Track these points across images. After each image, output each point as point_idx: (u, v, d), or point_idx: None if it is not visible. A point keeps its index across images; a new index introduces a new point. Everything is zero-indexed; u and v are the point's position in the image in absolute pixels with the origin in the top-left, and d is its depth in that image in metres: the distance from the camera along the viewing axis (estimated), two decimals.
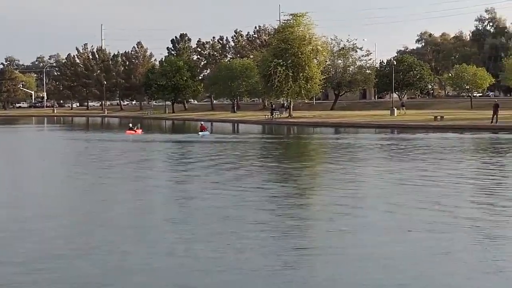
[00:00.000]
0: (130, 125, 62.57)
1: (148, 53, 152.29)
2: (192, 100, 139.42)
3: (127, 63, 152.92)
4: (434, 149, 37.91)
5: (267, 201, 19.27)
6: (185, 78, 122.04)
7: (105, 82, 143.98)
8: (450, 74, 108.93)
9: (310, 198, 20.91)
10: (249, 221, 16.15)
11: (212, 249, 13.34)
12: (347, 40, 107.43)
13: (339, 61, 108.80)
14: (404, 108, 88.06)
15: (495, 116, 59.83)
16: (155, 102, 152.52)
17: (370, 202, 18.83)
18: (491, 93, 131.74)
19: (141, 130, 61.24)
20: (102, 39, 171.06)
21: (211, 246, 13.59)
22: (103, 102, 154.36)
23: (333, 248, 13.36)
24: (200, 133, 55.83)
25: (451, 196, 19.67)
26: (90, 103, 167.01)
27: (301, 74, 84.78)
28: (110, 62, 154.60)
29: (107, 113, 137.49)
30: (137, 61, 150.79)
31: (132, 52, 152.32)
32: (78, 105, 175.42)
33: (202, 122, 63.26)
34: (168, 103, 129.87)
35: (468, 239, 14.03)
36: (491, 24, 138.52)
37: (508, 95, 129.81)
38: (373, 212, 17.10)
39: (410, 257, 12.61)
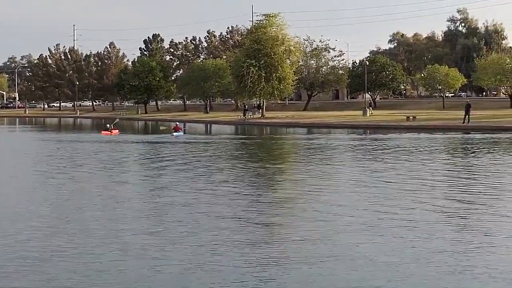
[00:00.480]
0: (108, 125, 62.36)
1: (120, 54, 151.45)
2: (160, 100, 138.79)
3: (100, 63, 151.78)
4: (404, 149, 38.10)
5: (234, 204, 19.32)
6: (158, 78, 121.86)
7: (78, 83, 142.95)
8: (422, 75, 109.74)
9: (267, 197, 20.83)
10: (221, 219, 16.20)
11: (185, 252, 13.35)
12: (320, 41, 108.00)
13: (312, 61, 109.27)
14: (370, 108, 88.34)
15: (467, 116, 60.40)
16: (128, 103, 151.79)
17: (329, 204, 18.85)
18: (463, 93, 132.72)
19: (117, 130, 61.17)
20: (74, 40, 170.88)
21: (185, 249, 13.62)
22: (75, 103, 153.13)
23: (296, 252, 13.41)
24: (174, 133, 55.98)
25: (420, 197, 19.82)
26: (61, 104, 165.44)
27: (274, 75, 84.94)
28: (83, 62, 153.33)
29: (79, 113, 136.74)
30: (109, 61, 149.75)
31: (105, 53, 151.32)
32: (46, 106, 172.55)
33: (177, 123, 63.29)
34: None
35: (428, 242, 14.13)
36: (463, 24, 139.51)
37: (480, 95, 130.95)
38: (336, 216, 17.11)
39: (376, 259, 12.68)
